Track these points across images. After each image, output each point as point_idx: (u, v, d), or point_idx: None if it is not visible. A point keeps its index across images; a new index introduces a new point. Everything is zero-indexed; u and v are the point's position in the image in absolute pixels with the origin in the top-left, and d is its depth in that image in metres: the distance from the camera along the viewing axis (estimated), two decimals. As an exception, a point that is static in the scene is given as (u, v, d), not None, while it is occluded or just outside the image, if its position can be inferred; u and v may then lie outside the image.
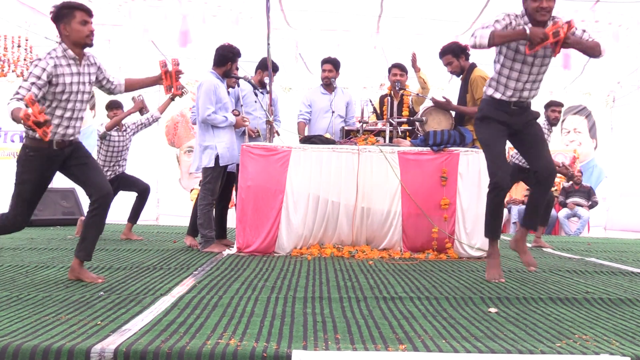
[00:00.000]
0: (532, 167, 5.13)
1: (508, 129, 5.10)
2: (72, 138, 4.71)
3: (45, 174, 4.71)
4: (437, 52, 7.11)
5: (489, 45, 4.68)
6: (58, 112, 4.59)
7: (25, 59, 10.49)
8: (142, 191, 8.23)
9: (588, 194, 12.92)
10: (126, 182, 8.28)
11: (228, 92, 7.07)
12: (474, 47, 4.75)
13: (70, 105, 4.63)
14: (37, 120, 3.89)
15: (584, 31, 4.87)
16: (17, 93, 4.36)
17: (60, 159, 4.71)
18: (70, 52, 4.59)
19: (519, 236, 5.27)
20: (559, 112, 8.20)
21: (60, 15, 4.60)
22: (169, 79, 4.99)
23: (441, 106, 6.98)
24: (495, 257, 5.18)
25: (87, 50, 4.73)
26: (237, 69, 7.17)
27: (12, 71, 10.65)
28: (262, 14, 7.46)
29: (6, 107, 4.25)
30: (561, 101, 8.53)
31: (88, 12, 4.63)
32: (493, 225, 5.12)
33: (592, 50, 4.76)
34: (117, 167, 8.19)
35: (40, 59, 4.50)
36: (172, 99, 7.90)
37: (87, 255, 4.78)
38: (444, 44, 7.19)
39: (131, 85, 5.08)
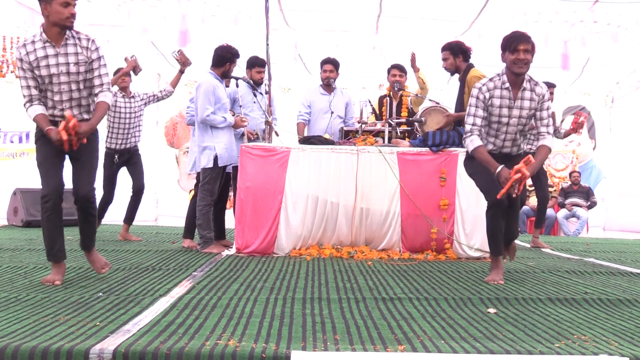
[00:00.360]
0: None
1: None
2: (80, 119, 4.62)
3: (55, 150, 4.64)
4: (437, 52, 7.12)
5: (470, 150, 5.08)
6: (49, 95, 4.62)
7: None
8: (137, 190, 8.15)
9: (587, 194, 12.93)
10: (134, 166, 8.15)
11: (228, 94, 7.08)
12: (464, 134, 5.14)
13: (57, 88, 4.60)
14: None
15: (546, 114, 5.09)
16: (25, 96, 4.57)
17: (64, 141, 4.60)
18: (44, 35, 4.56)
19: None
20: (551, 92, 8.17)
21: None
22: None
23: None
24: (497, 267, 5.21)
25: (86, 33, 4.70)
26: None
27: (12, 72, 10.65)
28: (261, 13, 7.47)
29: (26, 113, 4.57)
30: (555, 84, 8.40)
31: None
32: (496, 243, 5.14)
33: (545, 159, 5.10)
34: (129, 138, 8.03)
35: (17, 56, 4.57)
36: (182, 71, 7.93)
37: (87, 246, 4.93)
38: (443, 43, 7.19)
39: (98, 111, 4.76)
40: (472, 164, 5.29)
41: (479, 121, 5.05)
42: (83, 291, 4.32)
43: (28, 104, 4.59)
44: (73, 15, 4.53)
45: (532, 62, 4.98)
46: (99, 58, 4.72)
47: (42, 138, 4.66)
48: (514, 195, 4.84)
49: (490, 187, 5.01)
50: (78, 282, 4.73)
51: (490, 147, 5.15)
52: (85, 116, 4.73)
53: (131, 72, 8.05)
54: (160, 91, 8.29)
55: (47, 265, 5.41)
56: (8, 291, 4.25)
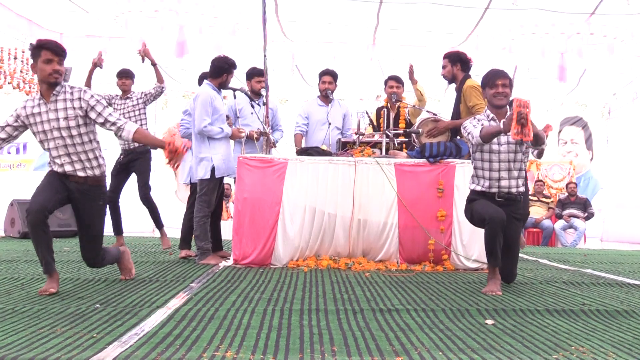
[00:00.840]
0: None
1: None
2: (82, 175, 4.81)
3: (56, 183, 4.81)
4: (434, 64, 7.17)
5: (482, 141, 5.12)
6: (49, 152, 4.82)
7: (21, 71, 10.49)
8: (142, 200, 8.17)
9: (584, 205, 12.95)
10: (139, 173, 8.14)
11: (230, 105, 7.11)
12: (469, 140, 5.27)
13: (52, 144, 4.76)
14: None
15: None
16: None
17: (71, 189, 4.84)
18: (38, 94, 4.76)
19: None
20: None
21: (32, 55, 4.74)
22: (172, 156, 4.89)
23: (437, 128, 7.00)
24: (495, 277, 5.25)
25: (78, 86, 4.85)
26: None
27: (9, 83, 10.65)
28: (258, 25, 7.49)
29: None
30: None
31: (54, 51, 4.65)
32: (493, 254, 5.18)
33: (540, 138, 5.02)
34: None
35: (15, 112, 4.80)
36: (154, 63, 8.01)
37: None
38: (440, 55, 7.22)
39: (142, 138, 5.02)
40: (469, 207, 5.45)
41: (477, 125, 5.23)
42: (80, 303, 4.31)
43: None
44: (56, 71, 4.66)
45: (510, 95, 5.28)
46: (96, 103, 4.79)
47: (50, 175, 4.85)
48: (524, 139, 4.74)
49: (486, 210, 5.14)
50: (75, 293, 4.72)
51: (486, 184, 5.30)
52: (89, 172, 4.85)
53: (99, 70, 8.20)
54: (154, 88, 8.27)
55: (44, 277, 5.39)
56: (5, 303, 4.24)
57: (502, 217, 5.07)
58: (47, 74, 4.64)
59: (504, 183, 5.27)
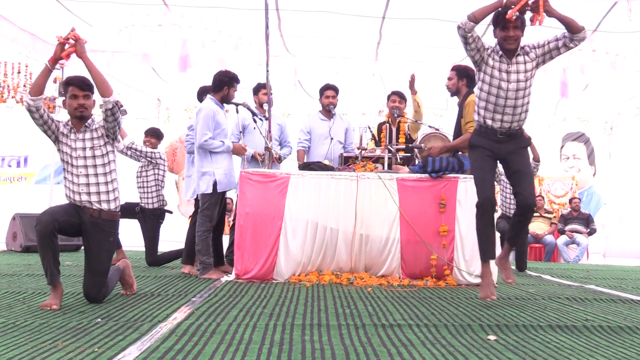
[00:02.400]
0: (515, 197, 5.31)
1: (494, 156, 5.27)
2: (97, 207, 4.92)
3: (70, 208, 4.94)
4: (435, 79, 7.18)
5: (470, 20, 5.01)
6: (67, 175, 4.94)
7: (24, 85, 10.54)
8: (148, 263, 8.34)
9: (587, 221, 12.93)
10: (150, 236, 8.36)
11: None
12: (459, 28, 5.07)
13: (75, 171, 4.90)
14: None
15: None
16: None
17: (83, 220, 4.92)
18: (69, 123, 4.97)
19: (503, 254, 5.43)
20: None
21: (63, 92, 5.10)
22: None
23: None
24: (487, 277, 5.25)
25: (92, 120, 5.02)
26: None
27: (12, 97, 10.70)
28: (261, 39, 7.52)
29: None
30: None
31: (79, 86, 4.89)
32: (483, 246, 5.23)
33: (573, 24, 4.95)
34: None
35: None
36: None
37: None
38: (442, 70, 7.25)
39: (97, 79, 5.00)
40: (472, 154, 5.37)
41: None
42: (82, 317, 4.31)
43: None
44: (81, 106, 4.91)
45: (522, 36, 5.11)
46: (101, 125, 4.99)
47: (66, 202, 4.99)
48: (535, 23, 4.82)
49: (481, 190, 5.15)
50: (77, 307, 4.71)
51: (489, 122, 5.18)
52: (104, 206, 4.96)
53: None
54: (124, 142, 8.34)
55: (45, 291, 5.39)
56: (6, 317, 4.23)
57: (491, 205, 5.11)
58: (73, 108, 4.90)
59: (507, 118, 5.15)
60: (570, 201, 13.23)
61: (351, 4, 8.81)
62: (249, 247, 6.64)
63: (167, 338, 3.66)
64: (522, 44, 5.17)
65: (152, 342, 3.53)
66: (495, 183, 5.55)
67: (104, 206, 4.95)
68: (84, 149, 4.90)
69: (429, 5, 8.74)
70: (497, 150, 5.23)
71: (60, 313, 4.44)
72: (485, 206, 5.12)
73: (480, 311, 4.94)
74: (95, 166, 4.91)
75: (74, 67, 8.55)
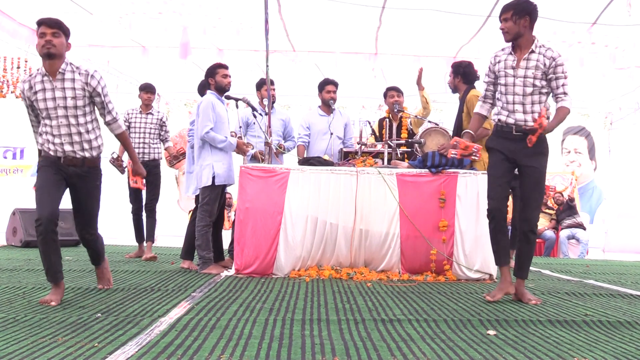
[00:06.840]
0: (519, 217, 5.38)
1: (510, 160, 5.21)
2: (80, 156, 4.84)
3: (55, 177, 4.82)
4: (435, 73, 7.19)
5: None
6: (46, 129, 4.79)
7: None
8: (147, 210, 8.56)
9: (572, 210, 12.82)
10: (149, 185, 8.54)
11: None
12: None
13: (55, 122, 4.77)
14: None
15: (562, 75, 5.26)
16: (33, 127, 5.01)
17: (68, 174, 4.85)
18: (42, 69, 4.78)
19: (516, 285, 5.30)
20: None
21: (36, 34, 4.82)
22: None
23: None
24: (502, 282, 5.27)
25: (83, 65, 4.86)
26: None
27: (12, 92, 10.68)
28: (262, 24, 7.44)
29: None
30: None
31: (48, 24, 4.72)
32: (495, 252, 5.26)
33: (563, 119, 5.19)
34: (143, 151, 8.52)
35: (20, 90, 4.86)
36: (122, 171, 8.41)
37: (95, 263, 5.44)
38: (441, 64, 7.26)
39: (124, 141, 5.23)
40: (489, 155, 5.40)
41: (489, 92, 5.36)
42: (81, 312, 4.31)
43: (35, 134, 4.97)
44: (48, 42, 4.70)
45: (516, 28, 5.10)
46: (102, 90, 4.89)
47: (44, 166, 4.83)
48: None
49: (491, 194, 5.19)
50: (76, 302, 4.71)
51: (503, 118, 5.20)
52: (87, 154, 4.88)
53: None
54: (165, 132, 8.79)
55: (45, 286, 5.40)
56: (6, 312, 4.24)
57: (500, 210, 5.12)
58: (40, 45, 4.69)
59: (519, 116, 5.14)
60: (554, 197, 13.19)
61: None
62: (249, 242, 6.64)
63: (167, 333, 3.67)
64: (549, 46, 5.21)
65: (152, 337, 3.54)
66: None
67: (87, 154, 4.87)
68: (64, 98, 4.75)
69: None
70: (513, 152, 5.16)
71: (60, 308, 4.45)
72: (493, 214, 5.15)
73: (480, 306, 4.95)
74: (76, 116, 4.78)
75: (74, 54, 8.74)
